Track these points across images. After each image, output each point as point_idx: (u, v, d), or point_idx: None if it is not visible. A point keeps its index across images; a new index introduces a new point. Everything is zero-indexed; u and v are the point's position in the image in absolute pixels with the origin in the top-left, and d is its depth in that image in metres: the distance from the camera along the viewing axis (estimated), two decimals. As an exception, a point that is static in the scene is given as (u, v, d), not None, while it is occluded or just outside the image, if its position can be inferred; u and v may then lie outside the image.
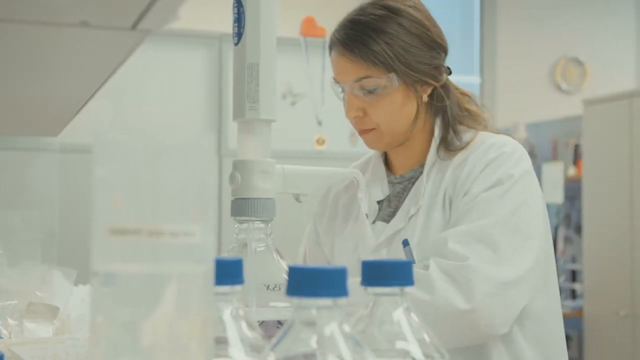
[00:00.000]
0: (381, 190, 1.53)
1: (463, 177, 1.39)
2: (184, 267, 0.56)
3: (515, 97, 5.56)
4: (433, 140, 1.48)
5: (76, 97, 0.95)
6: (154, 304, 0.54)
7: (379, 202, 1.53)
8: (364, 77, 1.40)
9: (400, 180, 1.52)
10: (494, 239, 1.30)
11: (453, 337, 1.29)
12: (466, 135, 1.47)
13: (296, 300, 0.62)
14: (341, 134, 3.96)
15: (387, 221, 1.49)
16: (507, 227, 1.32)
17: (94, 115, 3.43)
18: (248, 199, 0.96)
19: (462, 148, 1.44)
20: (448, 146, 1.46)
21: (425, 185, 1.45)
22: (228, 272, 0.73)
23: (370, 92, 1.41)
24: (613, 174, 4.22)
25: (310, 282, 0.62)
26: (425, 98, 1.46)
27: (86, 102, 1.06)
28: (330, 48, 1.46)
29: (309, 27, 3.74)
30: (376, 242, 1.46)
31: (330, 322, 0.62)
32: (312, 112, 3.94)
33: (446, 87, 1.48)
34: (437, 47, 1.45)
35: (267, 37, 0.97)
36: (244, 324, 0.73)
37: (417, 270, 1.27)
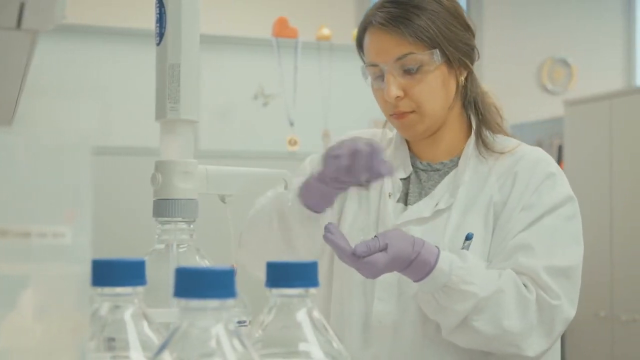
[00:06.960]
0: (403, 169, 1.49)
1: (519, 190, 1.39)
2: (53, 268, 0.55)
3: (501, 97, 5.53)
4: (472, 134, 1.47)
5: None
6: (19, 306, 0.53)
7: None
8: (408, 54, 1.38)
9: (426, 168, 1.49)
10: (577, 278, 1.37)
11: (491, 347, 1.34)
12: (506, 141, 1.47)
13: (183, 302, 0.62)
14: (314, 135, 3.96)
15: (405, 204, 1.46)
16: (580, 264, 1.39)
17: (81, 117, 3.43)
18: (170, 199, 0.96)
19: (503, 152, 1.45)
20: (487, 145, 1.46)
21: (463, 181, 1.43)
22: (130, 272, 0.73)
23: (411, 71, 1.39)
24: (593, 175, 4.22)
25: (196, 283, 0.62)
26: (462, 81, 1.46)
27: (16, 104, 1.06)
28: (364, 31, 1.44)
29: (281, 28, 3.71)
30: (394, 223, 1.42)
31: (217, 323, 0.61)
32: (284, 113, 3.92)
33: (474, 77, 1.49)
34: (470, 29, 1.46)
35: (189, 38, 0.96)
36: (145, 325, 0.73)
37: (525, 294, 1.31)
